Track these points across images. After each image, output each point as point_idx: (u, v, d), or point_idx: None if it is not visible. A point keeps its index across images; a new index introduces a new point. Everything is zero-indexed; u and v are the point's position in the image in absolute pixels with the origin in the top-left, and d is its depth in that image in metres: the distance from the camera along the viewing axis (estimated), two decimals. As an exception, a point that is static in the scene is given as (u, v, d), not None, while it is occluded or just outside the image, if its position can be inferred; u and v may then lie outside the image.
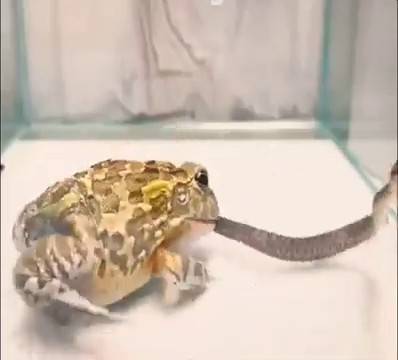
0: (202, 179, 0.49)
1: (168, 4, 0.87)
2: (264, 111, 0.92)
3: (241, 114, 0.92)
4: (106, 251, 0.43)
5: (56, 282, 0.40)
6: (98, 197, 0.44)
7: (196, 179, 0.49)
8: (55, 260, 0.40)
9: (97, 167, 0.47)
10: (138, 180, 0.46)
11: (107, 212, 0.43)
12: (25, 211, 0.45)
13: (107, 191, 0.44)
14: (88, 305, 0.40)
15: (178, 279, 0.45)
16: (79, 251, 0.41)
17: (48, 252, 0.41)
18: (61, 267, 0.40)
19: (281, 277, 0.51)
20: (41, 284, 0.40)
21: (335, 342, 0.43)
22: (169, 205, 0.46)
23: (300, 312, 0.46)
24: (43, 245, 0.41)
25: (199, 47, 0.89)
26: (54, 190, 0.45)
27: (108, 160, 0.49)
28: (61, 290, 0.40)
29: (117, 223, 0.43)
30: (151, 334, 0.44)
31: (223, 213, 0.53)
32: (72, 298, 0.40)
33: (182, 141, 0.83)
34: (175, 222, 0.47)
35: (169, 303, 0.46)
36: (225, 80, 0.91)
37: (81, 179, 0.45)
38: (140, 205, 0.45)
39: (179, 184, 0.47)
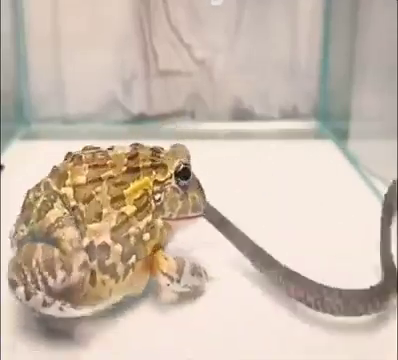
0: (184, 172, 0.47)
1: (168, 4, 0.87)
2: (264, 111, 0.92)
3: (241, 114, 0.92)
4: (95, 262, 0.42)
5: (40, 296, 0.40)
6: (81, 207, 0.43)
7: (176, 175, 0.46)
8: (40, 273, 0.41)
9: (77, 160, 0.45)
10: (119, 184, 0.44)
11: (91, 222, 0.43)
12: (16, 233, 0.44)
13: (89, 198, 0.43)
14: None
15: (171, 281, 0.45)
16: (64, 267, 0.41)
17: (34, 263, 0.41)
18: (45, 280, 0.41)
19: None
20: (28, 296, 0.40)
21: (334, 342, 0.43)
22: (153, 203, 0.45)
23: (300, 312, 0.46)
24: (30, 254, 0.41)
25: (199, 47, 0.89)
26: (38, 205, 0.43)
27: (89, 149, 0.47)
28: (45, 304, 0.40)
29: (102, 232, 0.43)
30: (151, 334, 0.44)
31: (223, 213, 0.53)
32: (57, 312, 0.41)
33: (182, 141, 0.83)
34: (159, 223, 0.46)
35: (164, 302, 0.46)
36: (225, 80, 0.91)
37: (63, 190, 0.44)
38: (123, 209, 0.44)
39: (156, 182, 0.46)
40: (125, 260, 0.43)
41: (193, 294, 0.47)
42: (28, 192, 0.45)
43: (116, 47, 0.88)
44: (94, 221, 0.43)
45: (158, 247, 0.46)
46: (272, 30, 0.89)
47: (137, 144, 0.48)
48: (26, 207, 0.45)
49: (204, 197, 0.49)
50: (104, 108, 0.91)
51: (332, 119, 0.90)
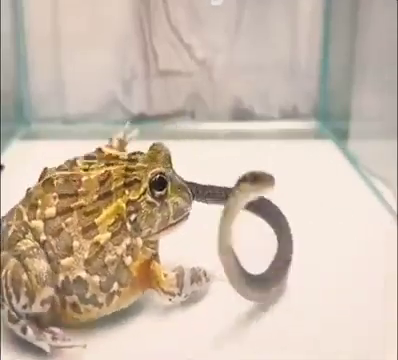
0: (159, 182, 0.44)
1: (168, 4, 0.87)
2: (264, 111, 0.92)
3: (241, 114, 0.92)
4: (74, 296, 0.42)
5: (6, 311, 0.41)
6: (51, 241, 0.42)
7: (151, 187, 0.44)
8: (6, 287, 0.41)
9: (48, 186, 0.43)
10: (91, 212, 0.43)
11: (63, 257, 0.42)
12: None
13: (59, 231, 0.42)
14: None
15: (173, 296, 0.45)
16: (28, 294, 0.40)
17: (3, 273, 0.41)
18: (9, 297, 0.41)
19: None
20: None
21: (335, 342, 0.43)
22: (129, 225, 0.43)
23: (300, 313, 0.46)
24: (3, 263, 0.41)
25: (199, 47, 0.89)
26: (9, 234, 0.43)
27: (62, 169, 0.45)
28: (11, 320, 0.41)
29: (76, 267, 0.42)
30: (151, 335, 0.44)
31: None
32: (19, 332, 0.41)
33: (182, 141, 0.83)
34: (139, 242, 0.44)
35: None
36: (225, 80, 0.91)
37: (33, 223, 0.42)
38: (96, 239, 0.42)
39: (129, 202, 0.43)
40: (106, 290, 0.42)
41: (194, 294, 0.47)
42: (2, 218, 0.45)
43: (116, 47, 0.88)
44: (65, 255, 0.42)
45: (150, 260, 0.45)
46: (272, 30, 0.89)
47: (100, 149, 0.47)
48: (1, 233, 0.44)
49: (188, 197, 0.46)
50: (104, 108, 0.91)
51: (332, 119, 0.90)
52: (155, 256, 0.45)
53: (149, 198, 0.44)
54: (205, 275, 0.47)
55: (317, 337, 0.44)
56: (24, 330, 0.41)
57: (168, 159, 0.46)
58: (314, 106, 0.92)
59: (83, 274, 0.42)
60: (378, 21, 0.73)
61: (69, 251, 0.42)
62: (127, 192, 0.43)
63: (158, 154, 0.46)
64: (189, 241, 0.51)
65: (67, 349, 0.41)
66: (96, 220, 0.43)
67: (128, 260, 0.43)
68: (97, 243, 0.42)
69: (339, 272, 0.51)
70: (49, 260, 0.42)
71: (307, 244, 0.55)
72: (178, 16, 0.87)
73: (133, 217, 0.43)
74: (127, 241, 0.43)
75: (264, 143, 0.85)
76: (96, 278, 0.42)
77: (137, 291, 0.45)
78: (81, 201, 0.43)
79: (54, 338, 0.41)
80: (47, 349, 0.41)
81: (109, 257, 0.42)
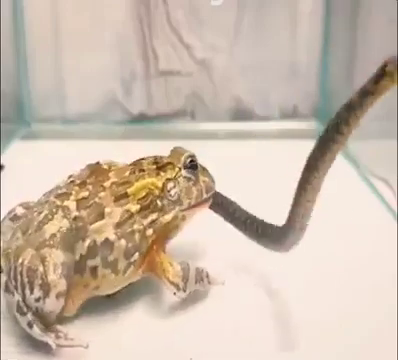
0: (191, 164, 0.49)
1: (168, 4, 0.87)
2: (264, 111, 0.92)
3: (241, 114, 0.92)
4: (97, 258, 0.43)
5: (16, 299, 0.41)
6: (83, 213, 0.43)
7: (185, 168, 0.48)
8: (21, 276, 0.41)
9: (81, 184, 0.46)
10: (122, 184, 0.45)
11: (93, 223, 0.43)
12: (11, 238, 0.44)
13: (91, 205, 0.44)
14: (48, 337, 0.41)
15: (178, 289, 0.45)
16: (42, 288, 0.41)
17: (20, 261, 0.41)
18: (23, 288, 0.41)
19: (280, 278, 0.51)
20: (7, 288, 0.42)
21: (335, 343, 0.43)
22: (159, 202, 0.46)
23: (300, 313, 0.46)
24: (19, 253, 0.42)
25: (199, 47, 0.89)
26: (40, 218, 0.44)
27: (91, 169, 0.47)
28: (19, 310, 0.41)
29: (105, 230, 0.43)
30: (153, 334, 0.44)
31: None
32: (25, 326, 0.41)
33: (182, 141, 0.83)
34: (166, 218, 0.46)
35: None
36: (225, 80, 0.91)
37: (65, 203, 0.44)
38: (127, 207, 0.45)
39: (168, 180, 0.47)
40: (128, 256, 0.44)
41: (195, 295, 0.47)
42: (33, 207, 0.46)
43: (116, 47, 0.88)
44: (96, 220, 0.43)
45: (159, 243, 0.46)
46: (272, 30, 0.89)
47: (138, 159, 0.49)
48: (28, 220, 0.44)
49: (211, 176, 0.50)
50: (104, 108, 0.91)
51: (332, 119, 0.90)
52: (165, 243, 0.47)
53: (185, 174, 0.48)
54: (207, 277, 0.48)
55: (318, 337, 0.44)
56: (30, 325, 0.41)
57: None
58: (314, 106, 0.92)
59: (112, 236, 0.43)
60: (378, 21, 0.73)
61: (101, 216, 0.43)
62: (162, 173, 0.47)
63: (180, 154, 0.49)
64: (191, 243, 0.52)
65: (69, 348, 0.41)
66: (128, 190, 0.45)
67: (149, 232, 0.45)
68: (128, 211, 0.44)
69: (339, 272, 0.51)
70: (78, 230, 0.43)
71: (307, 244, 0.55)
72: (178, 16, 0.87)
73: (173, 192, 0.47)
74: (153, 216, 0.46)
75: (264, 143, 0.85)
76: (123, 242, 0.44)
77: (146, 268, 0.46)
78: (113, 179, 0.46)
79: (58, 337, 0.41)
80: (53, 345, 0.41)
81: (136, 226, 0.44)
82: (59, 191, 0.45)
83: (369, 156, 0.73)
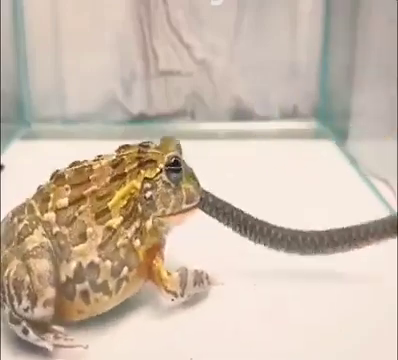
0: (174, 165, 0.45)
1: (168, 4, 0.87)
2: (264, 111, 0.92)
3: (241, 114, 0.92)
4: (86, 283, 0.42)
5: (7, 311, 0.41)
6: (64, 231, 0.42)
7: (167, 169, 0.45)
8: (8, 289, 0.41)
9: (60, 180, 0.44)
10: (104, 197, 0.43)
11: (75, 245, 0.42)
12: None
13: (72, 221, 0.42)
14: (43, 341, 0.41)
15: (176, 296, 0.45)
16: (30, 297, 0.40)
17: (5, 274, 0.41)
18: (11, 299, 0.41)
19: (281, 279, 0.51)
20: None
21: (335, 344, 0.43)
22: (139, 206, 0.44)
23: (300, 313, 0.46)
24: (6, 263, 0.41)
25: (199, 47, 0.89)
26: (20, 229, 0.42)
27: (76, 164, 0.45)
28: (12, 320, 0.41)
29: (88, 253, 0.42)
30: (153, 335, 0.44)
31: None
32: (20, 333, 0.41)
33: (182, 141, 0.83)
34: (149, 225, 0.44)
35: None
36: (225, 80, 0.91)
37: (45, 216, 0.42)
38: (109, 223, 0.43)
39: (146, 180, 0.44)
40: (116, 275, 0.43)
41: (195, 296, 0.47)
42: (12, 213, 0.45)
43: (116, 47, 0.88)
44: (79, 243, 0.42)
45: (155, 248, 0.45)
46: (272, 30, 0.89)
47: (124, 146, 0.46)
48: (9, 229, 0.43)
49: (198, 186, 0.47)
50: (104, 108, 0.91)
51: (332, 119, 0.90)
52: (160, 248, 0.45)
53: (165, 178, 0.45)
54: (207, 278, 0.47)
55: (317, 339, 0.44)
56: (25, 331, 0.41)
57: (179, 149, 0.47)
58: (314, 106, 0.92)
59: (96, 259, 0.42)
60: (378, 21, 0.73)
61: (83, 238, 0.42)
62: (142, 172, 0.44)
63: (170, 143, 0.47)
64: (192, 245, 0.52)
65: (68, 349, 0.41)
66: (109, 204, 0.43)
67: (137, 243, 0.44)
68: (110, 228, 0.43)
69: (339, 272, 0.51)
70: (61, 248, 0.42)
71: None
72: (178, 16, 0.87)
73: (149, 194, 0.44)
74: (137, 224, 0.44)
75: (264, 143, 0.85)
76: (108, 263, 0.42)
77: (141, 279, 0.45)
78: (93, 187, 0.43)
79: (57, 337, 0.41)
80: (50, 348, 0.41)
81: (121, 241, 0.43)
82: (39, 192, 0.44)
83: (369, 156, 0.73)
